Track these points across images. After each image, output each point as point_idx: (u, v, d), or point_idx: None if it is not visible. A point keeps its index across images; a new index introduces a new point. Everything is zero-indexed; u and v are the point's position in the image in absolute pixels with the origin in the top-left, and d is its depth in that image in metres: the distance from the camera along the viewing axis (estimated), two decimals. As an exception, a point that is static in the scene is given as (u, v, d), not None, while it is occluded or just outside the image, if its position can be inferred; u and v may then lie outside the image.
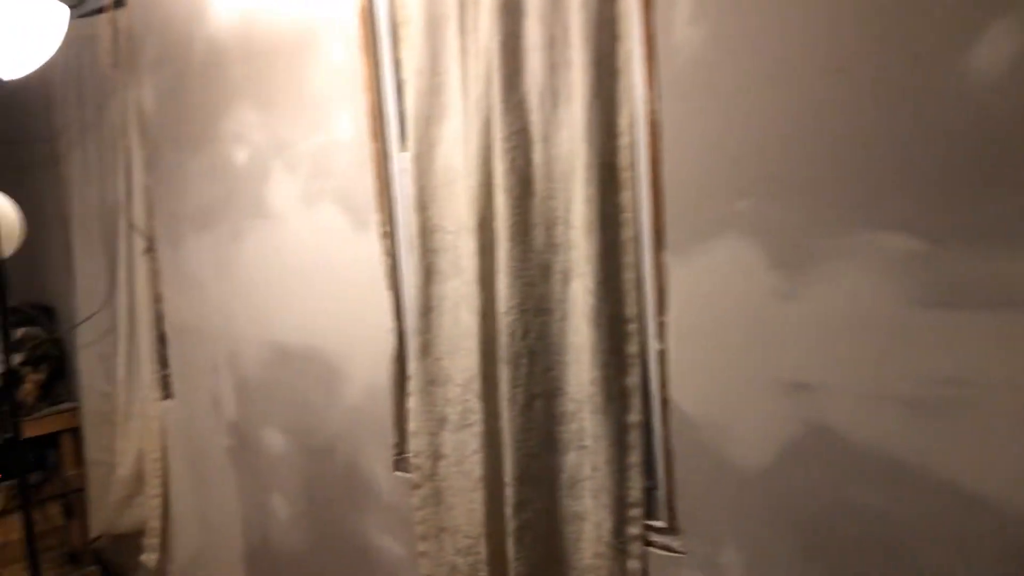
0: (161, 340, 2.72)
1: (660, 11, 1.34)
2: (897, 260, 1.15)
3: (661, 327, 1.44)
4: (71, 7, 2.73)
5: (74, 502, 3.16)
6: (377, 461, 2.04)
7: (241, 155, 2.23)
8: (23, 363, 2.99)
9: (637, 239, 1.48)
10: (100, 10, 2.63)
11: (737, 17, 1.25)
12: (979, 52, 1.04)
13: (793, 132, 1.22)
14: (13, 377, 1.26)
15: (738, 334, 1.33)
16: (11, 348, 2.97)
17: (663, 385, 1.46)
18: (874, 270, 1.17)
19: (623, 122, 1.46)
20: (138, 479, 2.82)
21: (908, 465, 1.17)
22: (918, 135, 1.10)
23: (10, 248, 1.37)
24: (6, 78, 1.29)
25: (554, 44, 1.52)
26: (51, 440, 3.12)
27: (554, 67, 1.53)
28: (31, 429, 3.02)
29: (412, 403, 1.89)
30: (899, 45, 1.10)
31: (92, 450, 3.00)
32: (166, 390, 2.74)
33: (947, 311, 1.11)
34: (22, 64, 1.31)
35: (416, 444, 1.89)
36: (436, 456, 1.86)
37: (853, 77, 1.14)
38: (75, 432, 3.15)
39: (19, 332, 3.05)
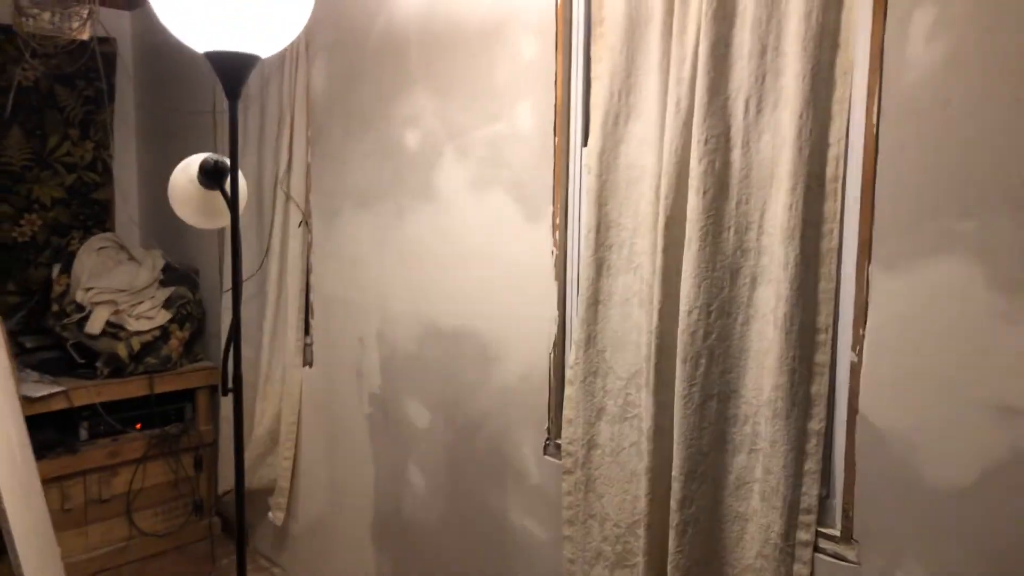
0: (306, 310, 2.85)
1: (893, 25, 1.35)
2: None
3: (857, 339, 1.45)
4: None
5: (204, 456, 3.34)
6: (526, 444, 2.10)
7: (412, 138, 2.33)
8: (171, 320, 3.17)
9: (838, 250, 1.49)
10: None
11: (981, 38, 1.25)
12: None
13: (1036, 156, 1.21)
14: (235, 333, 1.36)
15: (945, 353, 1.33)
16: (164, 305, 3.16)
17: (853, 396, 1.47)
18: (1114, 300, 1.16)
19: (834, 134, 1.48)
20: (272, 440, 2.97)
21: None
22: None
23: (241, 212, 1.48)
24: (263, 56, 1.39)
25: (764, 52, 1.54)
26: (188, 395, 3.31)
27: (763, 74, 1.55)
28: (173, 383, 3.21)
29: (570, 391, 1.94)
30: None
31: (227, 409, 3.16)
32: (307, 358, 2.88)
33: None
34: (276, 42, 1.41)
35: (570, 432, 1.94)
36: (591, 445, 1.91)
37: (1115, 105, 1.13)
38: (210, 389, 3.33)
39: (169, 291, 3.23)
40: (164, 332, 3.17)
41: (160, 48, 3.57)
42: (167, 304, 3.18)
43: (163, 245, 3.56)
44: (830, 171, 1.49)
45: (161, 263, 3.34)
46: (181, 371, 3.24)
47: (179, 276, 3.34)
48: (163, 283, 3.27)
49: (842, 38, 1.46)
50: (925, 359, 1.36)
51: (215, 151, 3.22)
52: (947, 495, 1.35)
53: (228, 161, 1.43)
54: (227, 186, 1.41)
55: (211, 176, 1.43)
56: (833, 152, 1.48)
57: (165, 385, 3.19)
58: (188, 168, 1.44)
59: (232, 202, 1.41)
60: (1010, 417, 1.27)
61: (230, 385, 1.39)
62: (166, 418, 3.24)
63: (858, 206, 1.44)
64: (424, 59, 2.26)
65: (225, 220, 1.50)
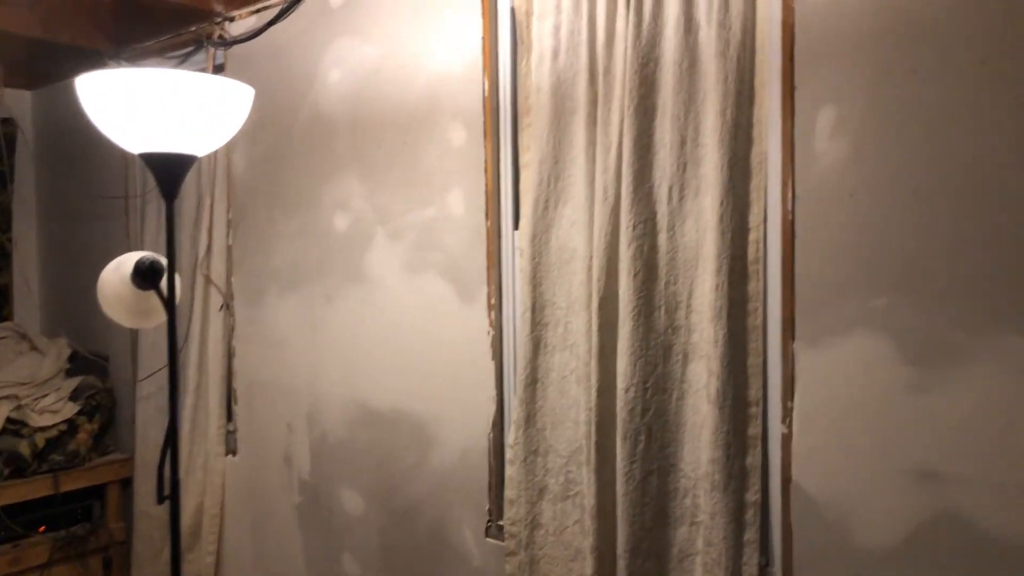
0: (228, 396, 2.76)
1: (800, 123, 1.48)
2: (1034, 362, 1.26)
3: (787, 411, 1.53)
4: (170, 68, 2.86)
5: (114, 556, 3.12)
6: (466, 526, 2.08)
7: (341, 221, 2.33)
8: (79, 413, 3.00)
9: (763, 327, 1.58)
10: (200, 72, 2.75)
11: (880, 135, 1.39)
12: (1122, 184, 1.17)
13: (932, 239, 1.34)
14: (171, 435, 1.31)
15: (867, 422, 1.43)
16: (71, 397, 2.99)
17: (785, 466, 1.54)
18: (1007, 370, 1.28)
19: (753, 219, 1.59)
20: (193, 535, 2.81)
21: (1041, 554, 1.26)
22: (1060, 252, 1.23)
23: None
24: (199, 155, 1.39)
25: (684, 143, 1.65)
26: (97, 492, 3.11)
27: (684, 164, 1.65)
28: (81, 480, 3.02)
29: (511, 471, 1.95)
30: (1046, 172, 1.23)
31: (142, 503, 2.99)
32: (230, 445, 2.77)
33: (1082, 412, 1.22)
34: (214, 142, 1.41)
35: (513, 512, 1.94)
36: (534, 525, 1.92)
37: (994, 192, 1.28)
38: (122, 484, 3.14)
39: (76, 381, 3.06)
40: (71, 426, 2.98)
41: (64, 129, 3.47)
42: (74, 395, 3.01)
43: (69, 332, 3.39)
44: (751, 253, 1.59)
45: (67, 351, 3.17)
46: (90, 466, 3.05)
47: (87, 364, 3.17)
48: (69, 373, 3.10)
49: (755, 132, 1.58)
50: (849, 429, 1.45)
51: (127, 236, 3.14)
52: (879, 558, 1.42)
53: (164, 261, 1.40)
54: (163, 285, 1.38)
55: (146, 277, 1.40)
56: (753, 236, 1.59)
57: (72, 482, 2.99)
58: (121, 268, 1.40)
59: (169, 302, 1.38)
60: (928, 481, 1.36)
61: (166, 492, 1.33)
62: (73, 518, 3.03)
63: (779, 285, 1.54)
64: (353, 144, 2.29)
65: (159, 319, 1.46)
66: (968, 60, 1.30)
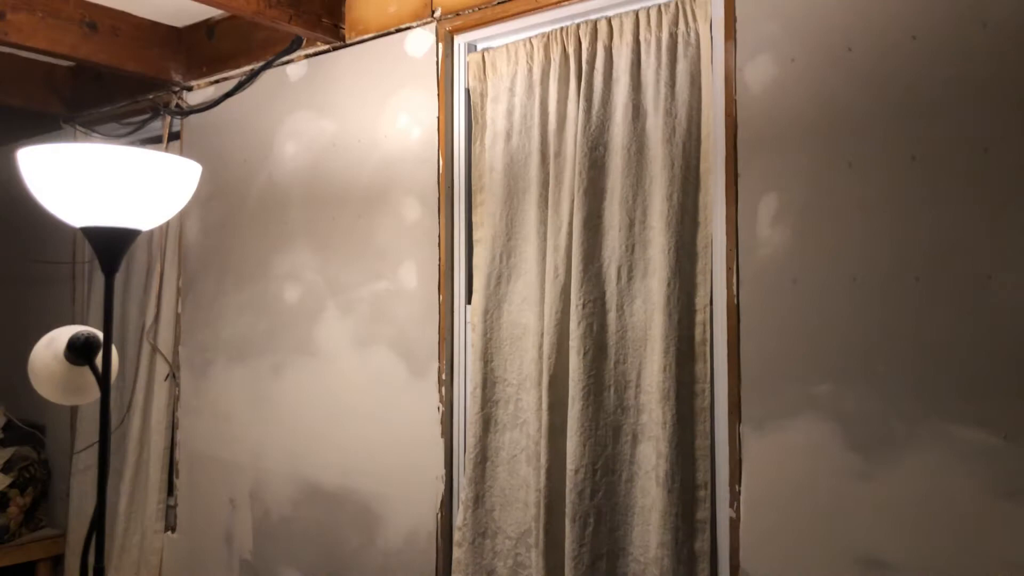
0: (170, 469, 2.66)
1: (744, 210, 1.51)
2: (971, 451, 1.27)
3: (734, 495, 1.52)
4: (124, 135, 2.85)
5: (42, 640, 2.94)
6: (413, 612, 2.00)
7: (292, 293, 2.30)
8: (10, 485, 2.86)
9: (711, 409, 1.59)
10: (154, 140, 2.74)
11: (820, 223, 1.43)
12: (1046, 278, 1.22)
13: (871, 327, 1.37)
14: (99, 520, 1.24)
15: (812, 508, 1.43)
16: (3, 468, 2.85)
17: (734, 552, 1.52)
18: (949, 458, 1.29)
19: (700, 301, 1.61)
20: (127, 618, 2.67)
21: (986, 646, 1.25)
22: (989, 340, 1.26)
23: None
24: (143, 230, 1.36)
25: (633, 225, 1.68)
26: (27, 569, 2.94)
27: (632, 245, 1.68)
28: (10, 557, 2.85)
29: (458, 554, 1.89)
30: (974, 263, 1.27)
31: (73, 583, 2.83)
32: (169, 522, 2.65)
33: (1016, 502, 1.23)
34: (158, 217, 1.39)
35: (460, 596, 1.88)
36: (482, 610, 1.86)
37: (930, 285, 1.31)
38: (53, 561, 2.98)
39: (9, 452, 2.93)
40: (2, 498, 2.84)
41: (12, 192, 3.40)
42: (6, 467, 2.87)
43: (5, 400, 3.25)
44: (698, 335, 1.60)
45: (2, 420, 3.04)
46: (20, 542, 2.89)
47: (22, 435, 3.04)
48: (3, 443, 2.97)
49: (701, 217, 1.62)
50: (796, 515, 1.45)
51: (73, 303, 3.06)
52: (828, 648, 1.40)
53: (100, 336, 1.36)
54: (98, 361, 1.34)
55: (81, 352, 1.35)
56: (700, 318, 1.61)
57: (1, 559, 2.82)
58: (53, 343, 1.35)
59: (104, 379, 1.33)
60: (874, 570, 1.36)
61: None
62: (-4, 599, 2.85)
63: (726, 368, 1.55)
64: (306, 217, 2.28)
65: (92, 396, 1.41)
66: (899, 155, 1.35)
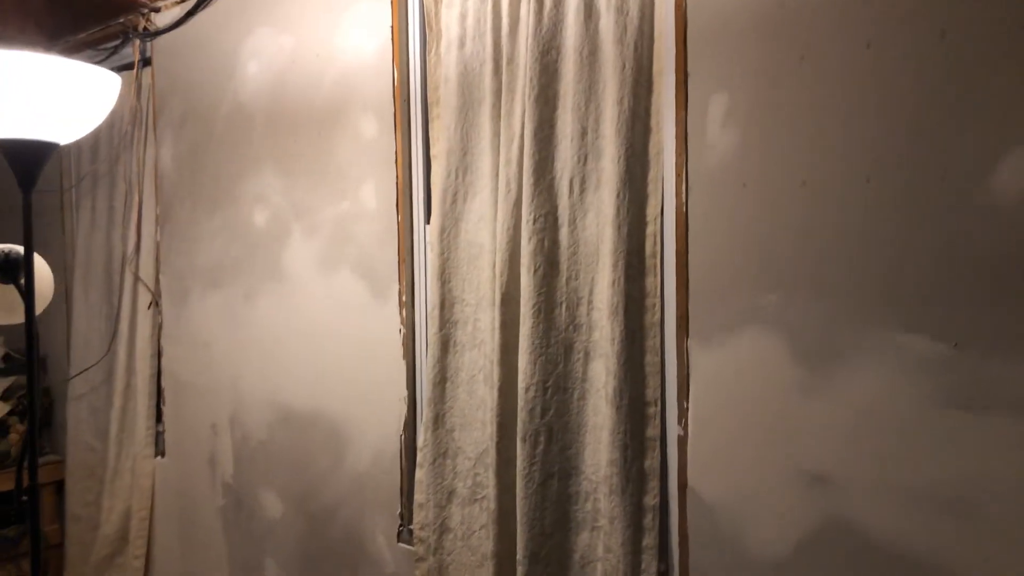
0: (158, 396, 2.69)
1: (693, 112, 1.42)
2: (919, 361, 1.20)
3: (682, 412, 1.47)
4: (97, 62, 2.80)
5: (50, 558, 3.05)
6: (380, 531, 2.01)
7: (260, 217, 2.27)
8: (10, 412, 2.93)
9: (661, 324, 1.52)
10: (127, 67, 2.69)
11: (769, 124, 1.33)
12: (1001, 174, 1.11)
13: (821, 233, 1.28)
14: (31, 436, 1.25)
15: (759, 423, 1.37)
16: (1, 397, 2.92)
17: (682, 470, 1.48)
18: (896, 369, 1.22)
19: (651, 211, 1.53)
20: (122, 538, 2.75)
21: (924, 563, 1.20)
22: (943, 244, 1.17)
23: (42, 308, 1.38)
24: (61, 143, 1.32)
25: (585, 134, 1.59)
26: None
27: (584, 156, 1.59)
28: (11, 481, 2.94)
29: (420, 474, 1.89)
30: (928, 160, 1.17)
31: (74, 505, 2.92)
32: (158, 447, 2.70)
33: (967, 413, 1.16)
34: (75, 131, 1.35)
35: (422, 517, 1.88)
36: (443, 529, 1.85)
37: (882, 187, 1.22)
38: (55, 486, 3.07)
39: (8, 381, 3.00)
40: (2, 425, 2.91)
41: None
42: (5, 395, 2.94)
43: (4, 331, 3.31)
44: (649, 248, 1.53)
45: (0, 351, 3.10)
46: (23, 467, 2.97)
47: (21, 364, 3.10)
48: (3, 373, 3.03)
49: (652, 122, 1.52)
50: (741, 431, 1.39)
51: (63, 233, 3.07)
52: (771, 566, 1.36)
53: (22, 252, 1.34)
54: (23, 280, 1.32)
55: (4, 271, 1.33)
56: (650, 229, 1.53)
57: (3, 484, 2.92)
58: (-19, 261, 1.34)
59: (27, 297, 1.31)
60: (819, 485, 1.30)
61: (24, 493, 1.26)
62: (5, 520, 2.96)
63: (674, 281, 1.48)
64: (271, 138, 2.22)
65: (21, 315, 1.39)
66: (854, 43, 1.24)
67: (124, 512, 2.73)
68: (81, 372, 2.83)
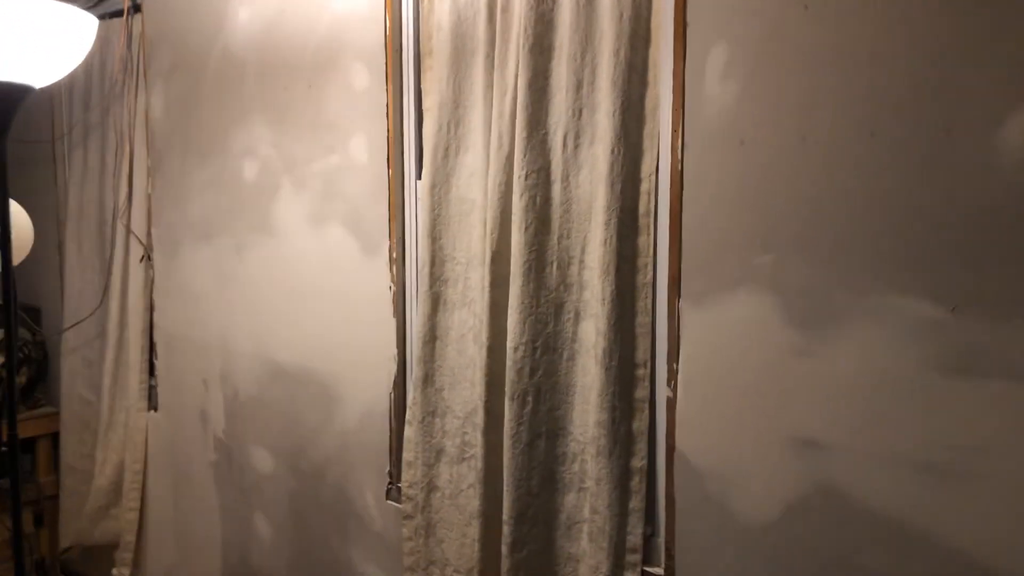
0: (151, 350, 2.68)
1: (692, 64, 1.36)
2: (916, 325, 1.16)
3: (671, 374, 1.44)
4: (87, 8, 2.73)
5: (45, 509, 3.08)
6: (368, 488, 2.01)
7: (250, 170, 2.22)
8: (3, 364, 2.91)
9: (653, 284, 1.49)
10: (116, 14, 2.62)
11: (770, 77, 1.27)
12: (1009, 131, 1.06)
13: (820, 192, 1.24)
14: (10, 382, 1.23)
15: (749, 387, 1.34)
16: (-6, 348, 2.91)
17: (670, 432, 1.45)
18: (892, 333, 1.18)
19: (646, 168, 1.48)
20: (116, 490, 2.76)
21: (915, 529, 1.18)
22: (945, 204, 1.12)
23: (21, 255, 1.35)
24: (36, 87, 1.28)
25: (580, 87, 1.54)
26: (27, 445, 3.05)
27: (579, 109, 1.54)
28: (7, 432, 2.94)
29: (409, 432, 1.87)
30: (933, 116, 1.12)
31: (69, 457, 2.93)
32: (151, 401, 2.70)
33: (963, 378, 1.13)
34: (51, 73, 1.30)
35: (410, 475, 1.87)
36: (430, 488, 1.84)
37: (884, 143, 1.17)
38: (52, 438, 3.08)
39: (2, 333, 2.98)
40: (-5, 377, 2.90)
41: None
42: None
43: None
44: (642, 206, 1.49)
45: (-6, 302, 3.08)
46: (19, 419, 2.97)
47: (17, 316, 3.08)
48: (-4, 324, 3.01)
49: (650, 75, 1.47)
50: (730, 394, 1.36)
51: (55, 184, 3.03)
52: (757, 530, 1.34)
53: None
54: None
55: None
56: (645, 187, 1.48)
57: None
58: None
59: (4, 246, 1.28)
60: (808, 450, 1.28)
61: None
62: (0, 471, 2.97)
63: (668, 240, 1.44)
64: (261, 88, 2.17)
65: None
66: (860, -8, 1.18)
67: (118, 464, 2.74)
68: (73, 325, 2.82)
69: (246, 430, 2.33)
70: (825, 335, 1.25)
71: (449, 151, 1.76)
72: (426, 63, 1.81)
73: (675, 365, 1.43)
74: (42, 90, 2.65)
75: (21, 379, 2.99)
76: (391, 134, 1.87)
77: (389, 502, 1.97)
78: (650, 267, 1.48)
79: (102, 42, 2.63)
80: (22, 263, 2.94)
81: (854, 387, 1.23)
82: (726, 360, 1.36)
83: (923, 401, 1.17)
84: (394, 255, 1.90)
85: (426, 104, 1.81)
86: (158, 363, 2.66)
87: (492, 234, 1.65)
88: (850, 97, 1.20)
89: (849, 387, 1.23)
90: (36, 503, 3.06)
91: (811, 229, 1.25)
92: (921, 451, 1.17)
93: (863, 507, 1.23)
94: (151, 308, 2.65)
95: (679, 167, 1.39)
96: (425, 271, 1.80)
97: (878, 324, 1.20)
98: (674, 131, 1.40)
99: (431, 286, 1.80)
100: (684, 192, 1.39)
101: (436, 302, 1.81)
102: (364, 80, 1.90)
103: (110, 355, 2.71)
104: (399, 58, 1.86)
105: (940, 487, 1.16)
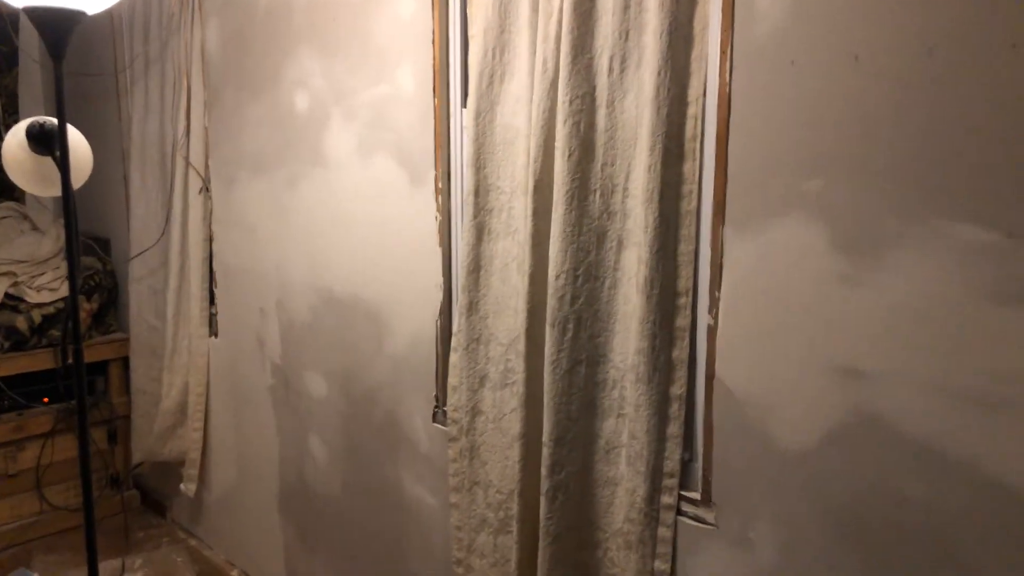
0: (211, 279, 2.78)
1: (742, -20, 1.31)
2: (970, 252, 1.12)
3: (713, 302, 1.43)
4: (142, -58, 2.76)
5: (118, 428, 3.27)
6: (416, 412, 2.07)
7: (301, 102, 2.25)
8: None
9: (697, 212, 1.47)
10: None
11: (823, -10, 1.22)
12: (1079, 42, 1.00)
13: (872, 114, 1.19)
14: (73, 306, 1.30)
15: (793, 315, 1.32)
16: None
17: (710, 360, 1.45)
18: (944, 261, 1.15)
19: (693, 92, 1.44)
20: (181, 411, 2.91)
21: (957, 459, 1.16)
22: (1005, 126, 1.07)
23: (80, 181, 1.41)
24: (89, 12, 1.31)
25: (628, 7, 1.50)
26: (100, 368, 3.23)
27: (626, 31, 1.50)
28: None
29: (454, 358, 1.91)
30: (997, 31, 1.06)
31: (138, 380, 3.09)
32: (212, 328, 2.81)
33: (1017, 307, 1.09)
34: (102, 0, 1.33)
35: (455, 399, 1.92)
36: (474, 412, 1.89)
37: (943, 60, 1.11)
38: (123, 361, 3.25)
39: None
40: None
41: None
42: (72, 275, 3.07)
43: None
44: (688, 131, 1.45)
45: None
46: (91, 343, 3.15)
47: (87, 247, 3.23)
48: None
49: (699, -8, 1.42)
50: (773, 322, 1.35)
51: (119, 115, 3.12)
52: (795, 457, 1.35)
53: (56, 124, 1.36)
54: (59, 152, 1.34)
55: (39, 141, 1.35)
56: (691, 111, 1.45)
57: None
58: (17, 133, 1.36)
59: (63, 168, 1.34)
60: (851, 379, 1.26)
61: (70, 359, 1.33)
62: (71, 392, 3.16)
63: (713, 166, 1.41)
64: (310, 19, 2.17)
65: (58, 187, 1.43)
66: None
67: (183, 388, 2.88)
68: (139, 255, 2.93)
69: (300, 356, 2.42)
70: (874, 262, 1.22)
71: (494, 78, 1.75)
72: (472, -13, 1.78)
73: (717, 293, 1.42)
74: (104, 22, 2.70)
75: (93, 305, 3.15)
76: (437, 62, 1.86)
77: (436, 425, 2.03)
78: (695, 194, 1.46)
79: (158, -26, 2.67)
80: (90, 195, 3.06)
81: (903, 316, 1.20)
82: (769, 288, 1.35)
83: (976, 330, 1.14)
84: (440, 185, 1.92)
85: (472, 30, 1.79)
86: (217, 292, 2.76)
87: (535, 162, 1.64)
88: (907, 12, 1.14)
89: (897, 315, 1.21)
90: (109, 422, 3.26)
91: (862, 152, 1.21)
92: (969, 381, 1.15)
93: (904, 436, 1.21)
94: (210, 239, 2.74)
95: (727, 90, 1.36)
96: (470, 200, 1.81)
97: (929, 250, 1.16)
98: (722, 52, 1.36)
99: (475, 216, 1.81)
100: (731, 116, 1.36)
101: (480, 232, 1.82)
102: (411, 7, 1.89)
103: (173, 283, 2.82)
104: (445, -17, 1.83)
105: (986, 417, 1.13)
